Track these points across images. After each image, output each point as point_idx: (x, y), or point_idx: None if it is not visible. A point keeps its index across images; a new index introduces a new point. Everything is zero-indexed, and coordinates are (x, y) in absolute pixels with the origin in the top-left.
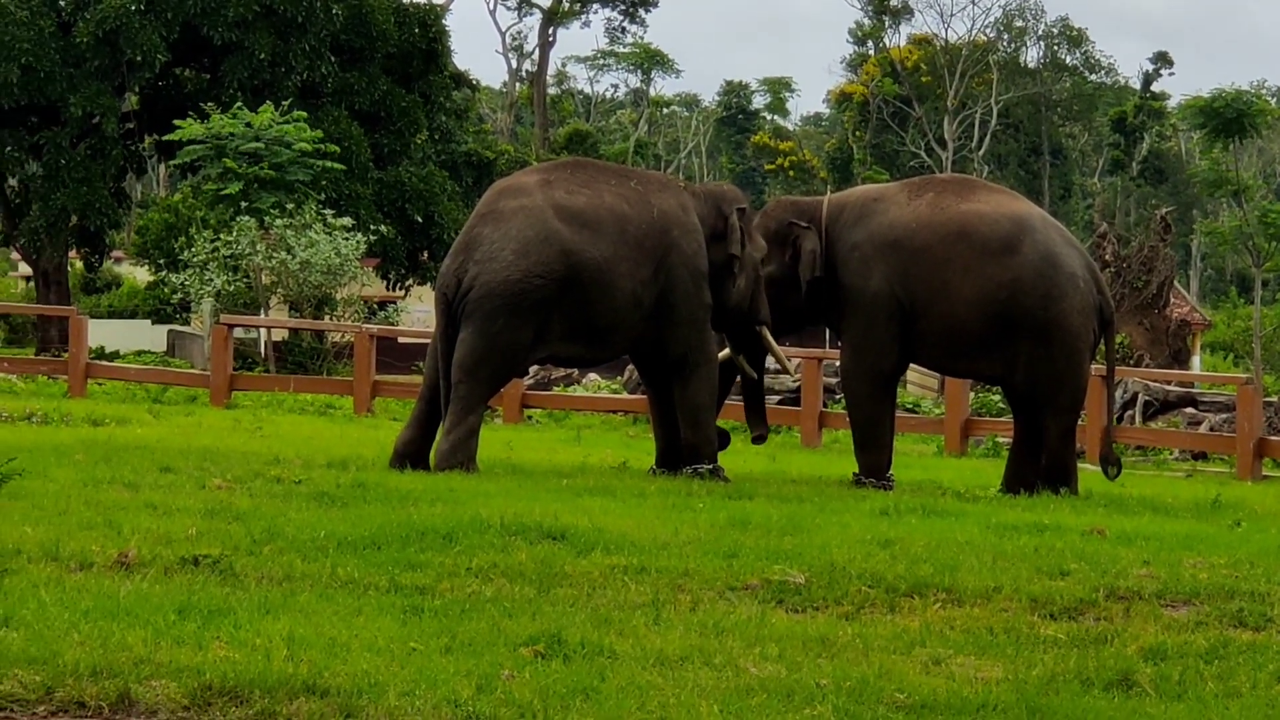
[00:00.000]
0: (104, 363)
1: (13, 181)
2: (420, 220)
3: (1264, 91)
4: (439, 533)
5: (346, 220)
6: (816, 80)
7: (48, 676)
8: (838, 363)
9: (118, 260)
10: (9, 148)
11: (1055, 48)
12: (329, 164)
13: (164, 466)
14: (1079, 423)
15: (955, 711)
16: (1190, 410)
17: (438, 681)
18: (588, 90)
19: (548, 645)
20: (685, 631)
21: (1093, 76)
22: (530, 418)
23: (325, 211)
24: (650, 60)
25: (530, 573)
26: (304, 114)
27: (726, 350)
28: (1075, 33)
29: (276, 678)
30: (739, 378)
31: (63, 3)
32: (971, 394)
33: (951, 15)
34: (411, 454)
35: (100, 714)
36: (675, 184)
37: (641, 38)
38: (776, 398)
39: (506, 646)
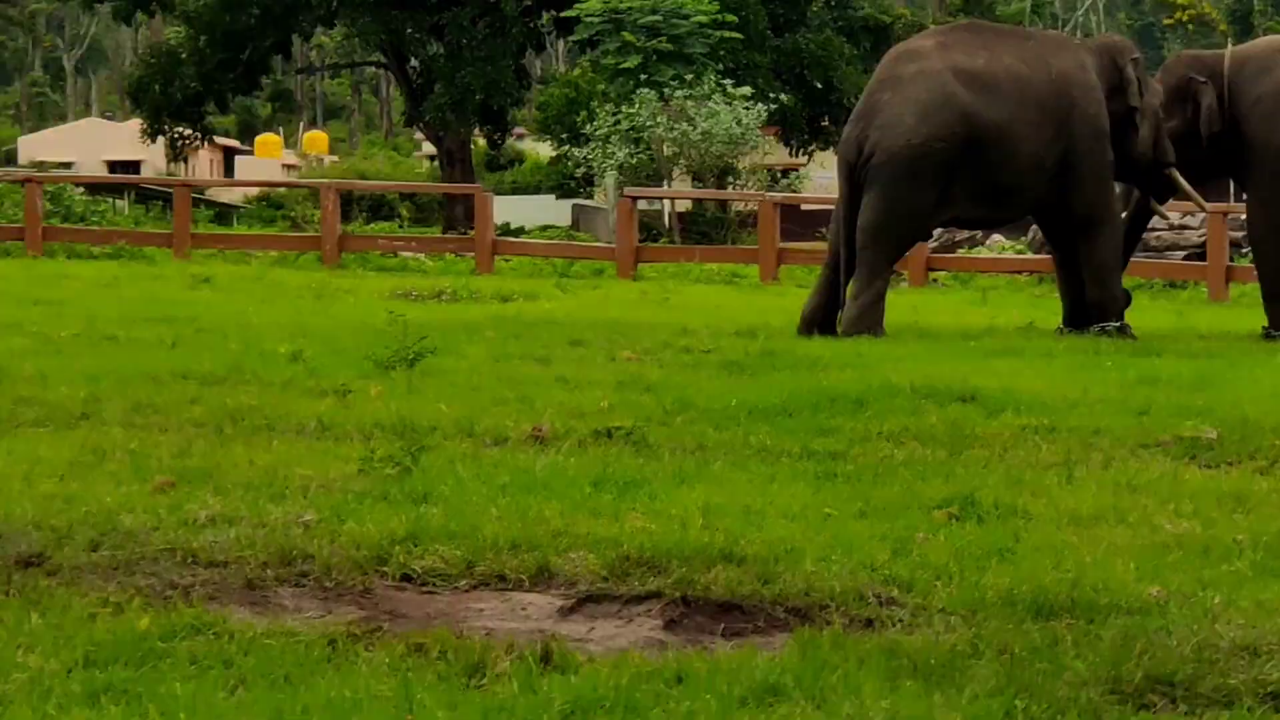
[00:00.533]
0: (510, 239)
1: (414, 63)
2: (820, 87)
3: None
4: (849, 398)
5: (746, 89)
6: None
7: (468, 551)
8: (1244, 217)
9: (519, 137)
10: (410, 29)
11: None
12: (727, 34)
13: (573, 340)
14: None
15: None
16: None
17: (853, 546)
18: None
19: (961, 507)
20: (1098, 490)
21: None
22: (935, 280)
23: (724, 82)
24: None
25: (941, 435)
26: None
27: (1126, 212)
28: None
29: (693, 547)
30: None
31: None
32: None
33: None
34: (819, 320)
35: (520, 587)
36: (1071, 43)
37: None
38: (1182, 253)
39: (920, 509)
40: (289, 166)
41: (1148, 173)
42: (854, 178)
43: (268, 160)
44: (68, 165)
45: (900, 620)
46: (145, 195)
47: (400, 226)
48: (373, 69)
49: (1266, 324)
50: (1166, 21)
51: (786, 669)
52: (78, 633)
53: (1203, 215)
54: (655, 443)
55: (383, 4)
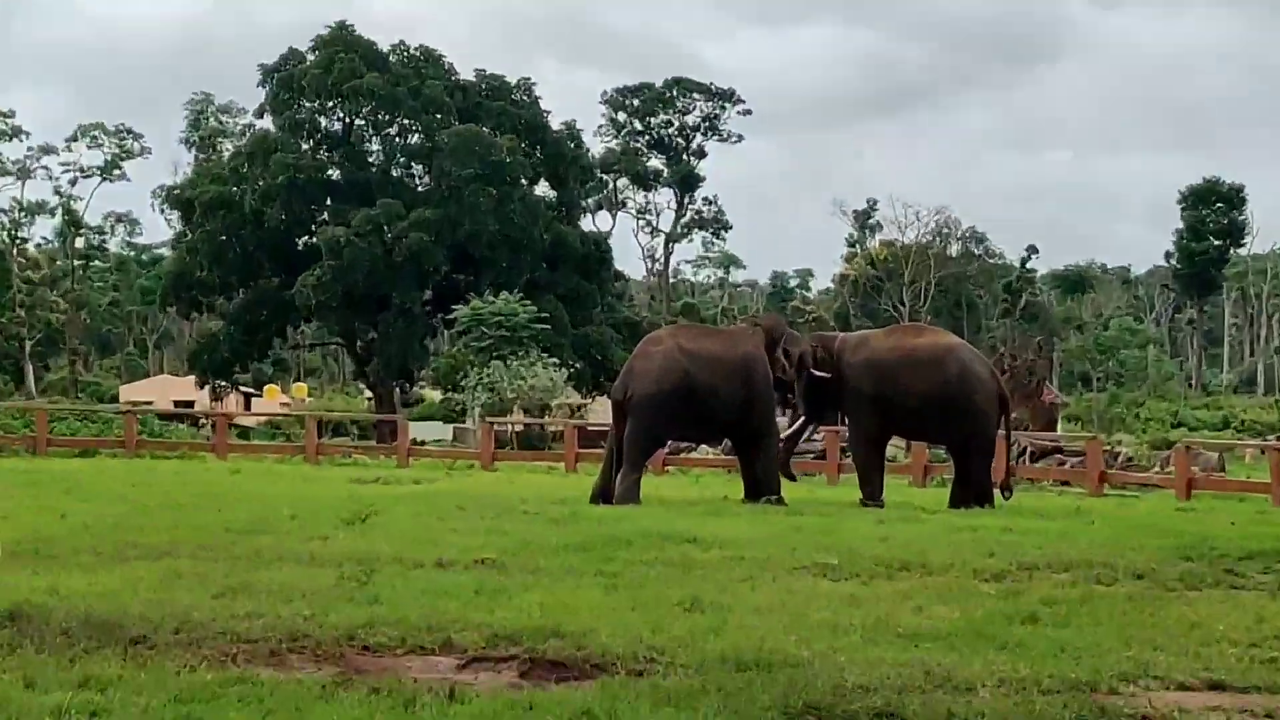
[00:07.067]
0: (417, 447)
1: (360, 343)
2: (599, 359)
3: (1094, 265)
4: (622, 540)
5: (555, 360)
6: (827, 267)
7: (402, 631)
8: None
9: (422, 386)
10: (357, 323)
11: (968, 244)
12: (542, 327)
13: (459, 506)
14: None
15: (932, 637)
16: (1059, 455)
17: (629, 627)
18: (693, 279)
19: (692, 603)
20: (770, 593)
21: (990, 260)
22: (668, 470)
23: (542, 355)
24: (728, 259)
25: (678, 562)
26: (524, 299)
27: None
28: (980, 234)
29: (535, 628)
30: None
31: (387, 239)
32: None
33: (906, 226)
34: (600, 494)
35: (434, 652)
36: (749, 334)
37: (724, 246)
38: (812, 455)
39: (667, 605)
40: (284, 404)
41: (786, 395)
42: (621, 409)
43: (271, 401)
44: (149, 403)
45: (660, 671)
46: (196, 421)
47: (353, 440)
48: (334, 345)
49: (861, 496)
50: (800, 321)
51: (594, 700)
52: (169, 682)
53: (824, 431)
54: (511, 567)
55: (341, 308)
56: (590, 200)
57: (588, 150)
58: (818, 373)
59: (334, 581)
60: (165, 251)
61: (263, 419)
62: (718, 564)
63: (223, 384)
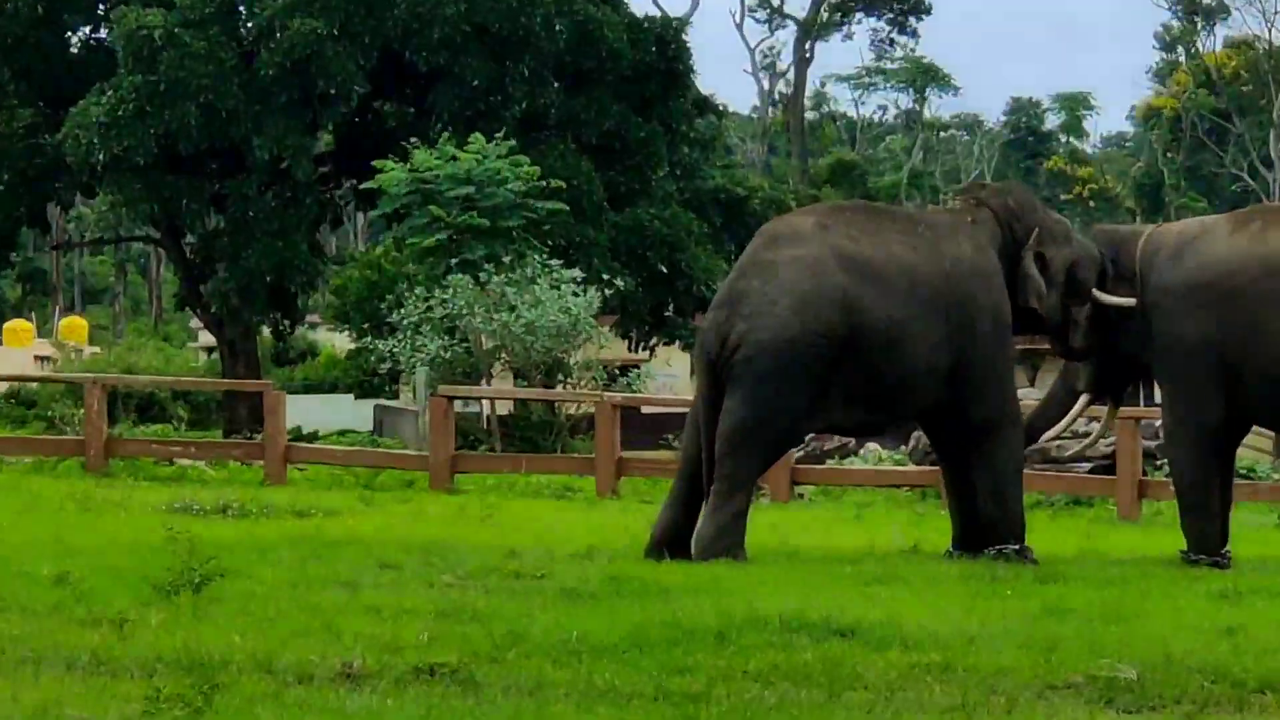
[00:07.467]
0: (304, 444)
1: (192, 238)
2: (664, 269)
3: None
4: (709, 631)
5: (576, 272)
6: (1119, 94)
7: None
8: (1159, 423)
9: (312, 326)
10: (187, 199)
11: None
12: (553, 205)
13: (384, 563)
14: None
15: None
16: None
17: None
18: (852, 113)
19: None
20: None
21: None
22: (801, 495)
23: (552, 262)
24: (924, 76)
25: (817, 675)
26: (514, 144)
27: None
28: None
29: None
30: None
31: (244, 31)
32: None
33: (1276, 13)
34: (670, 540)
35: None
36: (966, 225)
37: (913, 51)
38: (1088, 465)
39: None
40: (42, 358)
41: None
42: (715, 373)
43: (17, 350)
44: None
45: None
46: None
47: (176, 429)
48: (141, 245)
49: (1185, 546)
50: (1065, 197)
51: None
52: None
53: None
54: (485, 682)
55: (154, 169)
56: None
57: None
58: (1106, 299)
59: (140, 709)
60: None
61: (1, 386)
62: (899, 679)
63: None
